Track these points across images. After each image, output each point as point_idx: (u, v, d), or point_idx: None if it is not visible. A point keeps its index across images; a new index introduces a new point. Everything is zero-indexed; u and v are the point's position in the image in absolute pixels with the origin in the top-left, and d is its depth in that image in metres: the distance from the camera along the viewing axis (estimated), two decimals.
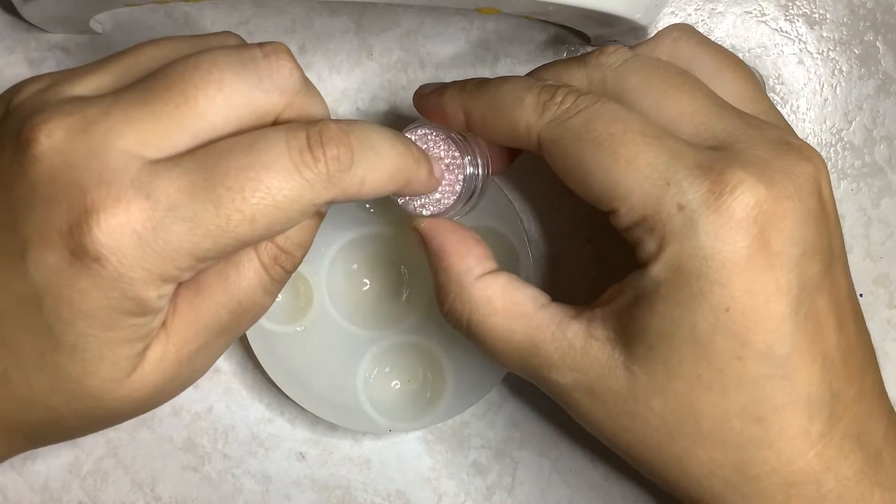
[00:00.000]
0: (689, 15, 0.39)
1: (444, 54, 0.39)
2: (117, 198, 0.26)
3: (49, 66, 0.39)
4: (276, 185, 0.27)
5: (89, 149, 0.27)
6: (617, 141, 0.29)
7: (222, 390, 0.40)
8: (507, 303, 0.31)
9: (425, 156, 0.31)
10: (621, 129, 0.29)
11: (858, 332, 0.31)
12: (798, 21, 0.39)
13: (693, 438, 0.30)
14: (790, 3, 0.39)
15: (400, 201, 0.33)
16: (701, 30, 0.39)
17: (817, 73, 0.39)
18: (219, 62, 0.28)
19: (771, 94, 0.39)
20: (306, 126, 0.28)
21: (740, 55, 0.39)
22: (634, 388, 0.30)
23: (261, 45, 0.29)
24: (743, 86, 0.33)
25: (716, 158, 0.29)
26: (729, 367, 0.29)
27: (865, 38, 0.39)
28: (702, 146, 0.29)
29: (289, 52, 0.29)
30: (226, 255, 0.28)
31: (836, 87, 0.39)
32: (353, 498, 0.40)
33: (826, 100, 0.39)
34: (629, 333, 0.30)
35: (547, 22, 0.38)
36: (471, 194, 0.33)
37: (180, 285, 0.29)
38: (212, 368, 0.39)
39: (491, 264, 0.32)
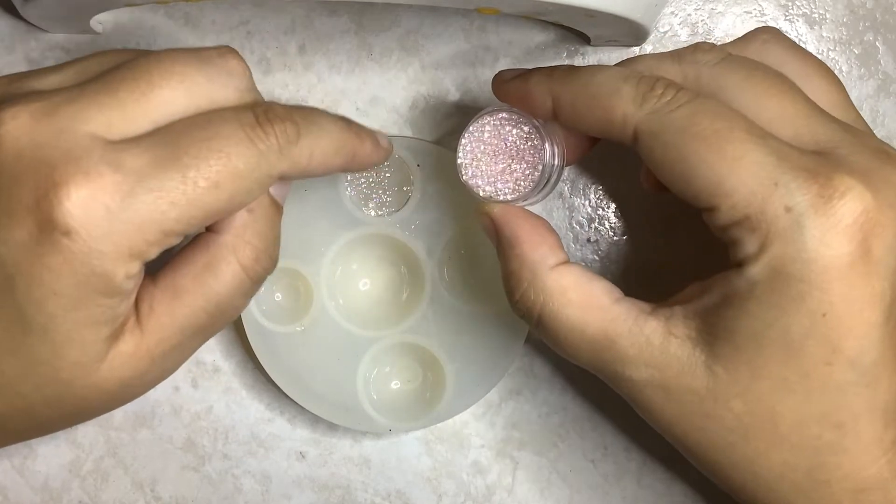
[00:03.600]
0: (689, 15, 0.39)
1: (444, 54, 0.39)
2: (87, 171, 0.27)
3: None
4: (235, 152, 0.28)
5: (56, 130, 0.27)
6: (723, 137, 0.28)
7: (222, 390, 0.40)
8: (583, 294, 0.31)
9: (367, 130, 0.33)
10: (727, 126, 0.29)
11: None
12: (798, 21, 0.39)
13: (769, 441, 0.29)
14: (790, 3, 0.39)
15: (473, 188, 0.33)
16: (701, 30, 0.39)
17: None
18: (180, 58, 0.29)
19: None
20: (252, 106, 0.30)
21: None
22: (714, 387, 0.29)
23: (215, 47, 0.31)
24: (833, 93, 0.32)
25: (822, 163, 0.28)
26: (816, 371, 0.28)
27: (865, 38, 0.39)
28: (804, 150, 0.29)
29: (240, 55, 0.31)
30: (192, 228, 0.29)
31: None
32: (353, 498, 0.40)
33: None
34: (714, 333, 0.29)
35: (547, 22, 0.38)
36: (545, 182, 0.33)
37: (156, 287, 0.30)
38: (212, 368, 0.39)
39: (563, 255, 0.32)
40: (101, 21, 0.38)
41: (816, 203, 0.28)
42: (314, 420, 0.39)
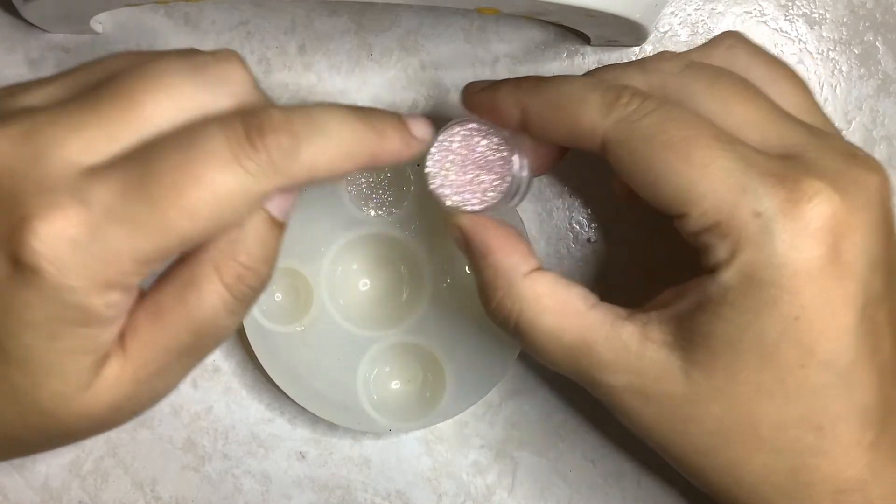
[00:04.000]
0: (689, 15, 0.39)
1: (444, 54, 0.39)
2: (51, 204, 0.26)
3: (49, 66, 0.39)
4: (216, 178, 0.26)
5: (31, 156, 0.27)
6: (691, 144, 0.28)
7: (222, 390, 0.40)
8: (558, 301, 0.31)
9: (393, 123, 0.30)
10: (694, 133, 0.29)
11: None
12: (798, 21, 0.39)
13: (749, 444, 0.29)
14: (790, 3, 0.39)
15: (441, 198, 0.33)
16: (701, 30, 0.39)
17: (817, 73, 0.39)
18: (169, 68, 0.28)
19: None
20: (242, 115, 0.27)
21: None
22: (692, 392, 0.29)
23: (213, 52, 0.29)
24: (799, 96, 0.32)
25: (789, 167, 0.29)
26: (792, 375, 0.29)
27: (865, 38, 0.39)
28: (771, 154, 0.29)
29: (240, 59, 0.29)
30: (172, 255, 0.28)
31: (835, 87, 0.39)
32: (353, 498, 0.40)
33: (826, 100, 0.39)
34: (689, 338, 0.29)
35: (547, 22, 0.38)
36: (514, 193, 0.33)
37: (140, 307, 0.28)
38: (212, 368, 0.39)
39: (536, 261, 0.32)
40: (101, 21, 0.38)
41: (785, 207, 0.28)
42: (314, 420, 0.39)
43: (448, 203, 0.33)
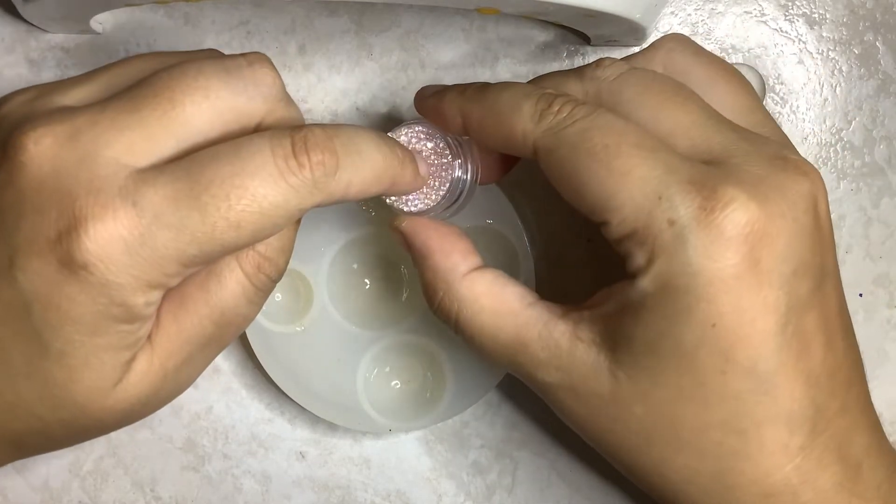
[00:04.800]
0: (689, 15, 0.39)
1: (444, 54, 0.39)
2: (105, 205, 0.27)
3: (49, 66, 0.39)
4: (262, 192, 0.27)
5: (77, 156, 0.27)
6: (612, 152, 0.29)
7: (222, 390, 0.40)
8: (495, 301, 0.32)
9: (410, 156, 0.31)
10: (616, 141, 0.29)
11: (847, 347, 0.31)
12: (798, 21, 0.39)
13: (672, 446, 0.30)
14: (790, 3, 0.39)
15: (389, 203, 0.33)
16: (701, 30, 0.39)
17: (817, 73, 0.39)
18: (205, 70, 0.29)
19: (771, 94, 0.39)
20: (291, 132, 0.28)
21: (740, 55, 0.39)
22: (617, 392, 0.30)
23: (244, 55, 0.30)
24: (738, 97, 0.32)
25: (709, 174, 0.28)
26: (712, 380, 0.29)
27: (865, 38, 0.39)
28: (696, 161, 0.29)
29: (270, 62, 0.30)
30: (213, 260, 0.29)
31: (835, 87, 0.39)
32: (353, 498, 0.40)
33: (826, 100, 0.39)
34: (615, 339, 0.30)
35: (547, 22, 0.38)
36: (456, 198, 0.33)
37: (164, 299, 0.29)
38: (212, 368, 0.39)
39: (476, 259, 0.32)
40: (101, 21, 0.38)
41: (699, 216, 0.28)
42: (314, 420, 0.39)
43: (388, 201, 0.33)
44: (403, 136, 0.33)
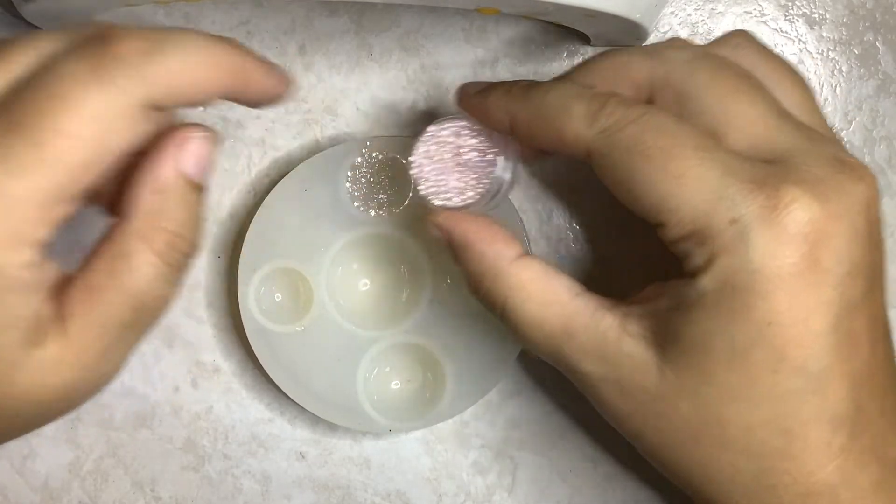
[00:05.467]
0: (689, 15, 0.39)
1: (444, 54, 0.39)
2: None
3: None
4: (81, 95, 0.26)
5: None
6: (667, 154, 0.29)
7: (222, 390, 0.40)
8: (542, 289, 0.32)
9: (258, 56, 0.30)
10: (670, 143, 0.29)
11: (886, 351, 0.31)
12: (798, 21, 0.39)
13: (717, 444, 0.30)
14: (790, 3, 0.39)
15: (422, 192, 0.33)
16: (701, 30, 0.39)
17: (817, 73, 0.39)
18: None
19: None
20: (89, 37, 0.27)
21: None
22: (664, 388, 0.30)
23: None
24: (801, 97, 0.32)
25: (770, 173, 0.29)
26: (763, 379, 0.29)
27: (865, 38, 0.39)
28: (756, 158, 0.29)
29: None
30: (71, 190, 0.27)
31: (835, 87, 0.39)
32: (353, 498, 0.40)
33: (826, 100, 0.39)
34: (664, 336, 0.30)
35: (547, 22, 0.38)
36: (495, 192, 0.33)
37: (72, 287, 0.28)
38: (212, 368, 0.39)
39: (520, 247, 0.32)
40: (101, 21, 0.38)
41: (762, 214, 0.28)
42: (314, 420, 0.39)
43: (426, 195, 0.33)
44: (445, 130, 0.33)
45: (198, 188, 0.30)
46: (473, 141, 0.33)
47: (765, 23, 0.39)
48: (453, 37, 0.39)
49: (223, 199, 0.39)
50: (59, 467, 0.39)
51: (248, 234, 0.37)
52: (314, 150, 0.39)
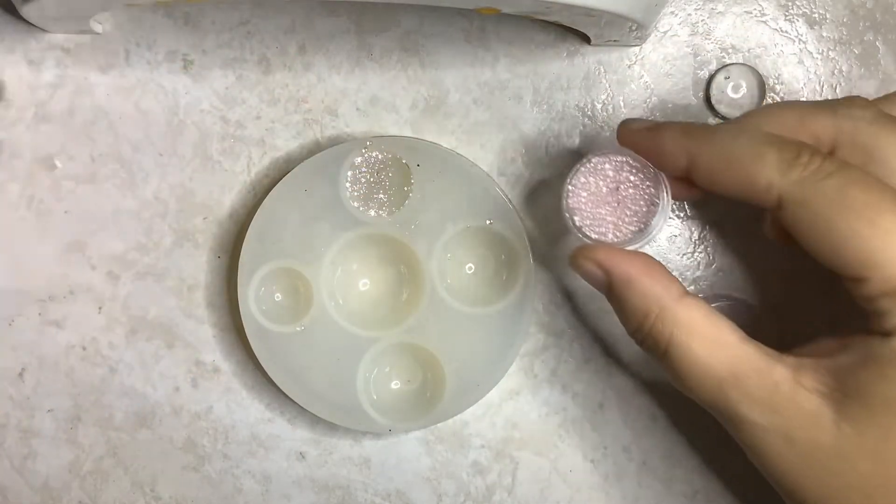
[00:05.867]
0: (689, 15, 0.39)
1: (444, 54, 0.39)
2: None
3: (49, 66, 0.39)
4: None
5: None
6: (874, 209, 0.29)
7: (222, 390, 0.40)
8: (711, 329, 0.31)
9: None
10: (878, 198, 0.29)
11: None
12: (798, 21, 0.39)
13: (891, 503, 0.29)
14: (790, 3, 0.39)
15: (577, 224, 0.33)
16: (701, 30, 0.39)
17: (817, 72, 0.39)
18: None
19: (771, 94, 0.39)
20: None
21: (740, 55, 0.39)
22: (841, 445, 0.29)
23: None
24: None
25: None
26: None
27: (865, 38, 0.39)
28: None
29: None
30: None
31: (836, 87, 0.39)
32: (353, 498, 0.40)
33: (826, 100, 0.39)
34: (846, 391, 0.29)
35: (547, 22, 0.38)
36: (651, 232, 0.33)
37: None
38: (212, 369, 0.39)
39: (682, 287, 0.32)
40: (101, 21, 0.38)
41: None
42: (314, 420, 0.39)
43: (580, 227, 0.33)
44: (608, 164, 0.33)
45: None
46: (633, 178, 0.33)
47: (765, 22, 0.39)
48: (453, 37, 0.39)
49: (223, 199, 0.39)
50: (59, 467, 0.39)
51: (248, 234, 0.37)
52: (314, 150, 0.39)
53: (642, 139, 0.33)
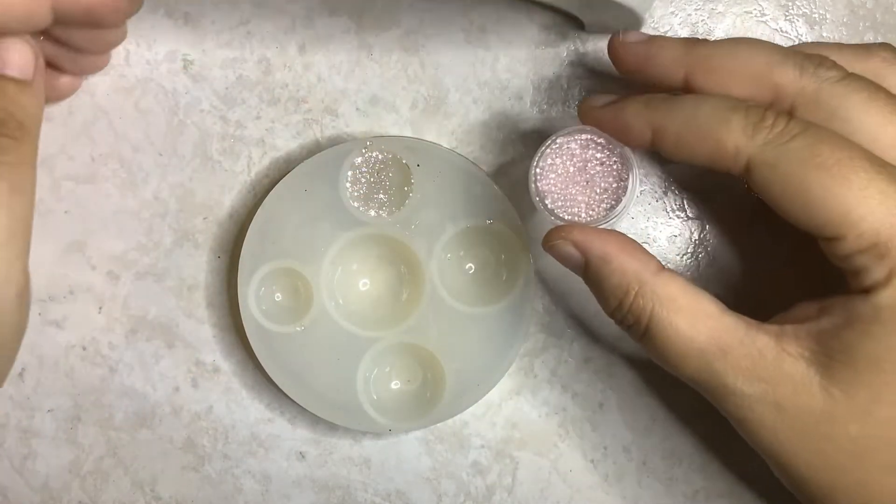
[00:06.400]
0: (689, 15, 0.39)
1: (444, 54, 0.39)
2: None
3: None
4: None
5: None
6: (846, 167, 0.28)
7: (222, 390, 0.40)
8: (692, 301, 0.31)
9: None
10: (848, 156, 0.29)
11: None
12: (798, 21, 0.39)
13: (884, 466, 0.29)
14: (790, 3, 0.39)
15: (549, 206, 0.33)
16: (701, 30, 0.39)
17: None
18: None
19: None
20: None
21: None
22: (831, 409, 0.29)
23: None
24: None
25: None
26: None
27: (865, 38, 0.39)
28: None
29: None
30: None
31: None
32: (353, 498, 0.40)
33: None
34: (831, 354, 0.29)
35: (546, 22, 0.38)
36: (623, 207, 0.33)
37: None
38: (212, 369, 0.39)
39: (658, 262, 0.32)
40: None
41: None
42: (314, 420, 0.39)
43: (552, 209, 0.33)
44: (573, 142, 0.33)
45: (27, 84, 0.31)
46: (599, 154, 0.33)
47: (765, 22, 0.39)
48: (453, 37, 0.39)
49: (223, 199, 0.39)
50: (59, 467, 0.39)
51: (248, 234, 0.37)
52: (314, 150, 0.39)
53: (605, 115, 0.33)
